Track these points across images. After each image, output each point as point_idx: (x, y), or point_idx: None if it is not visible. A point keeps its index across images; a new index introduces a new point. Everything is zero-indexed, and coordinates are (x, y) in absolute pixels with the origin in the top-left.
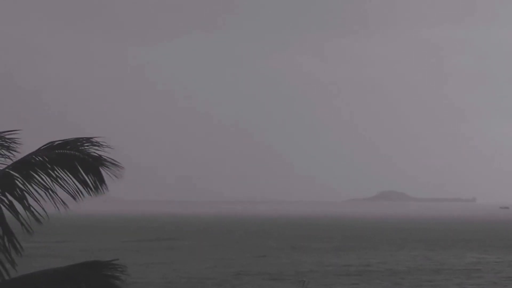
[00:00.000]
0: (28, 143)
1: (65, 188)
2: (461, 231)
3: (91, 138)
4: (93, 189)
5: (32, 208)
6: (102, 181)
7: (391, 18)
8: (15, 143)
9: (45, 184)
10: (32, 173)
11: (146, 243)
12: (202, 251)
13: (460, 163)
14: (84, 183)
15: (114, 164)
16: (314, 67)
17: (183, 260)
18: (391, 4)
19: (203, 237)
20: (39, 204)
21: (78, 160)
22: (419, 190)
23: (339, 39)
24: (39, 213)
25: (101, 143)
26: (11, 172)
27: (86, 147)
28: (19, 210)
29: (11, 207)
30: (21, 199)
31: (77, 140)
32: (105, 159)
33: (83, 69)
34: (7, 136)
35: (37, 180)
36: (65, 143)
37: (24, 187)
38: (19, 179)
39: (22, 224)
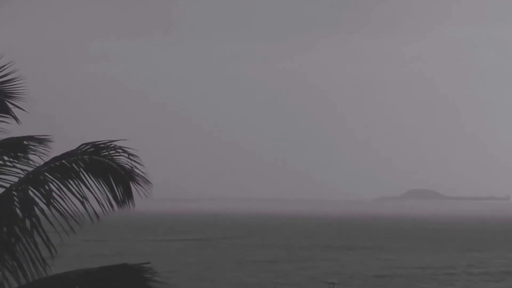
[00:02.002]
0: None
1: (96, 198)
2: (503, 231)
3: (124, 147)
4: (120, 202)
5: (65, 214)
6: (130, 196)
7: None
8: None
9: (78, 190)
10: (66, 177)
11: (194, 242)
12: (253, 251)
13: (493, 161)
14: (113, 195)
15: (145, 180)
16: (324, 69)
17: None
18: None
19: (251, 236)
20: (73, 212)
21: (111, 171)
22: (451, 188)
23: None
24: (71, 217)
25: (132, 155)
26: (46, 174)
27: (117, 156)
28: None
29: (44, 213)
30: (54, 205)
31: (111, 147)
32: (137, 174)
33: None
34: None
35: (71, 185)
36: (100, 148)
37: (59, 192)
38: (53, 182)
39: (56, 230)
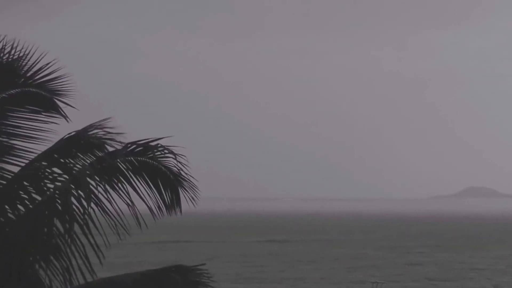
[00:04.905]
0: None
1: (146, 203)
2: None
3: (171, 146)
4: (167, 207)
5: (112, 217)
6: (178, 201)
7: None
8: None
9: (125, 193)
10: (113, 179)
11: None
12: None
13: None
14: (162, 200)
15: (192, 186)
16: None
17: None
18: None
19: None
20: (121, 216)
21: (159, 174)
22: (509, 186)
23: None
24: (119, 220)
25: (179, 156)
26: (92, 175)
27: (163, 157)
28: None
29: (91, 216)
30: (103, 209)
31: (157, 147)
32: (184, 178)
33: None
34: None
35: (118, 187)
36: (146, 148)
37: (105, 195)
38: (100, 185)
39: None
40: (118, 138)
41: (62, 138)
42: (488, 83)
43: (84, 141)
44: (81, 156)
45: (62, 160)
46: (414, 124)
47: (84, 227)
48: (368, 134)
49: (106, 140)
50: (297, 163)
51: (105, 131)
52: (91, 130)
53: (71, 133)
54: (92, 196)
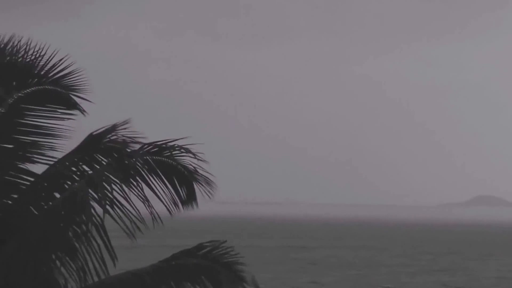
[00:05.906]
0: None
1: (161, 200)
2: None
3: (187, 146)
4: (183, 203)
5: (128, 216)
6: (194, 197)
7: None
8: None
9: (141, 192)
10: (129, 178)
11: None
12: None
13: None
14: (178, 196)
15: (208, 182)
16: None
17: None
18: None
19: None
20: (137, 215)
21: (175, 172)
22: None
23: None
24: (135, 220)
25: (197, 155)
26: (110, 175)
27: (180, 156)
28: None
29: (110, 215)
30: (120, 208)
31: (174, 147)
32: (200, 175)
33: None
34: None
35: (134, 186)
36: (162, 148)
37: (122, 194)
38: (117, 184)
39: (126, 233)
40: (138, 140)
41: (83, 140)
42: (497, 91)
43: (104, 146)
44: (102, 160)
45: (81, 164)
46: (427, 132)
47: (100, 228)
48: (371, 147)
49: (126, 144)
50: (300, 171)
51: (124, 136)
52: (111, 134)
53: (92, 133)
54: (109, 194)
